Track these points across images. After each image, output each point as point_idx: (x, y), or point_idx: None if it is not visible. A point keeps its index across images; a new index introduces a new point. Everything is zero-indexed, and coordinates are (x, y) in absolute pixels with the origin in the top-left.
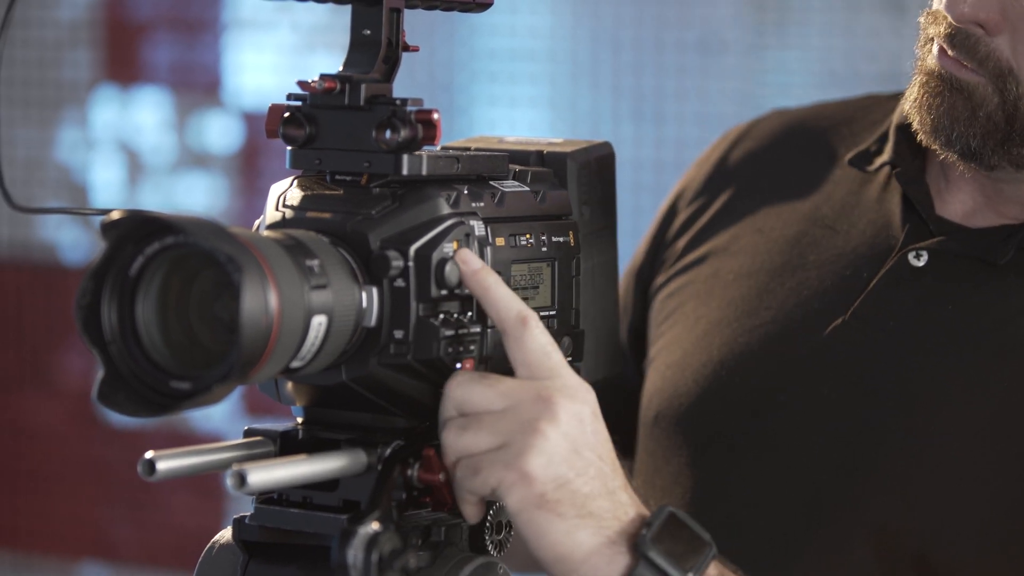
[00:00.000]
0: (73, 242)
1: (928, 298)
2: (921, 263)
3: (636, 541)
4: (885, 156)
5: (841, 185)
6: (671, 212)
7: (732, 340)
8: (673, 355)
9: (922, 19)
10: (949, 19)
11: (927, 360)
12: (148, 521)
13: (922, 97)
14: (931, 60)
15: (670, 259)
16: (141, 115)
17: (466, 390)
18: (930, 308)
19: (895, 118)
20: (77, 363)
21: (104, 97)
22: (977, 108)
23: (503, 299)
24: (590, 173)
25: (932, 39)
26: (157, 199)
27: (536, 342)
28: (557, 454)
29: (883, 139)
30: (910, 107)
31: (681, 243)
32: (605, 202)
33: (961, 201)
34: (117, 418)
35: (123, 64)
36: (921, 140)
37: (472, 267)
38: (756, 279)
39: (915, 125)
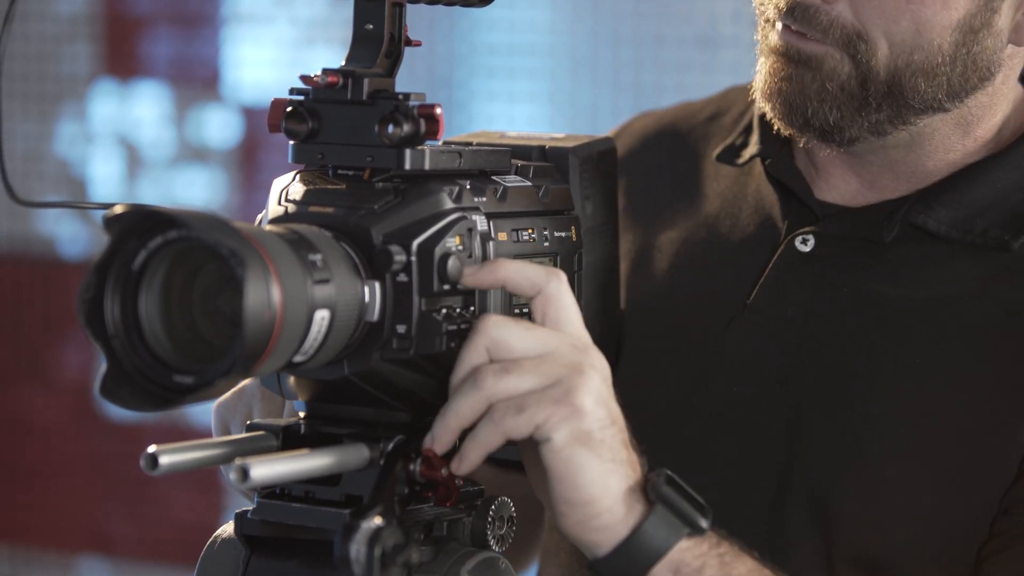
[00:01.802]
0: (72, 236)
1: (821, 282)
2: (808, 248)
3: (651, 485)
4: (753, 148)
5: (716, 182)
6: None
7: (634, 351)
8: None
9: (755, 2)
10: None
11: (831, 345)
12: (147, 516)
13: (770, 82)
14: (774, 37)
15: None
16: (140, 109)
17: (505, 331)
18: (825, 292)
19: (756, 109)
20: (75, 357)
21: (103, 91)
22: (827, 80)
23: (524, 267)
24: (592, 168)
25: (771, 20)
26: (156, 193)
27: (570, 298)
28: (601, 396)
29: (748, 131)
30: (759, 96)
31: None
32: (607, 197)
33: (835, 185)
34: (115, 412)
35: (122, 58)
36: (778, 129)
37: (473, 268)
38: (648, 287)
39: (768, 114)
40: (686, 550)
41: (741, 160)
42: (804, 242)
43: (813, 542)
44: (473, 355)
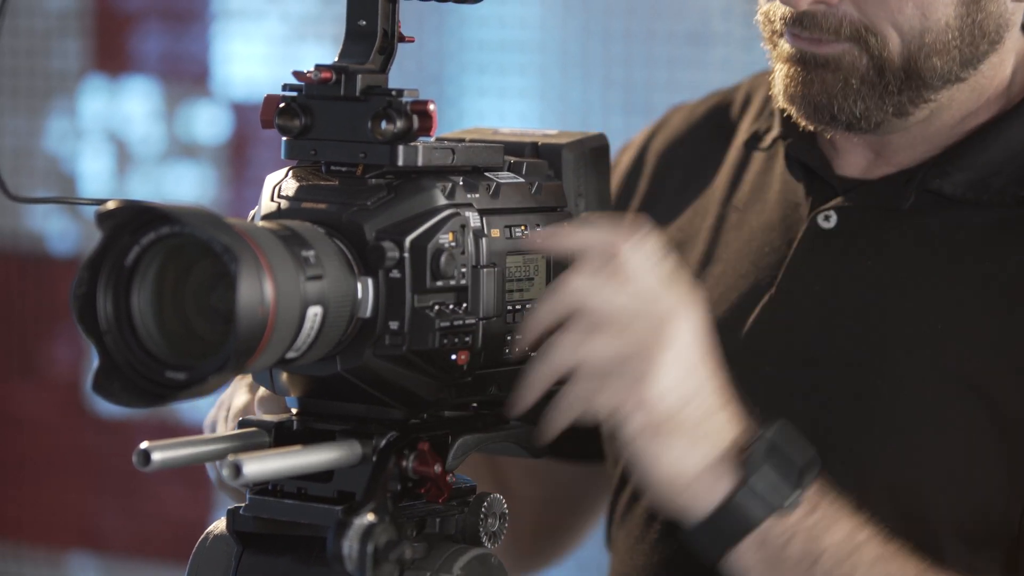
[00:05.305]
0: (61, 232)
1: (845, 256)
2: (831, 224)
3: (746, 458)
4: (775, 131)
5: (747, 168)
6: None
7: None
8: None
9: (759, 17)
10: (788, 9)
11: (858, 319)
12: (137, 511)
13: (791, 87)
14: (785, 46)
15: None
16: (130, 105)
17: (587, 295)
18: (848, 266)
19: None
20: (65, 353)
21: (93, 87)
22: (849, 76)
23: (588, 238)
24: (585, 164)
25: (778, 31)
26: (146, 189)
27: (634, 262)
28: (675, 377)
29: (772, 115)
30: (782, 99)
31: None
32: (600, 194)
33: (855, 162)
34: (105, 408)
35: (112, 54)
36: (803, 125)
37: (537, 240)
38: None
39: (793, 115)
40: (773, 524)
41: (764, 144)
42: (827, 219)
43: None
44: (552, 310)
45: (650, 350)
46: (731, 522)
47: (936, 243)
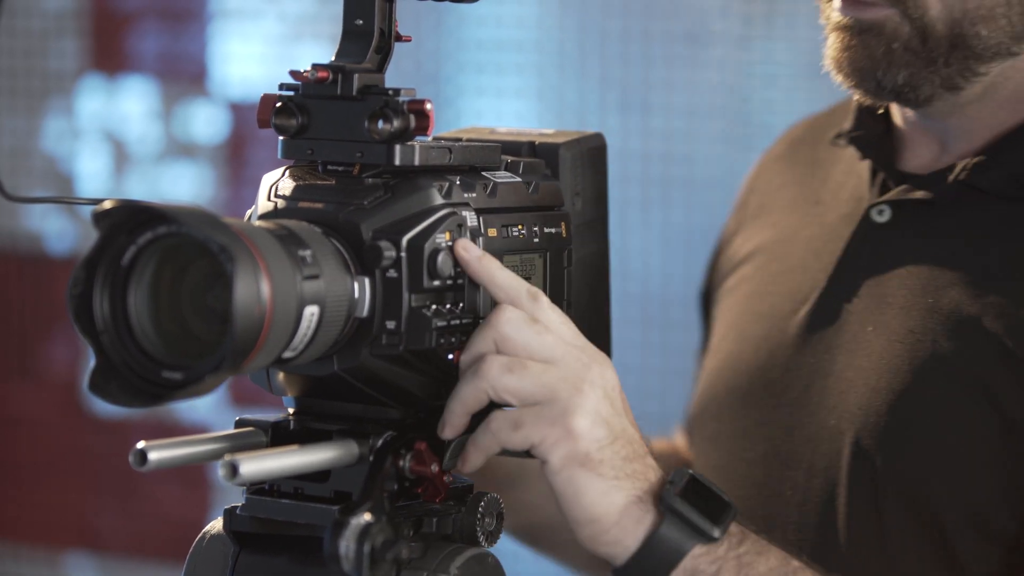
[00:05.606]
0: (59, 232)
1: (891, 251)
2: (884, 218)
3: (661, 495)
4: (849, 126)
5: (836, 166)
6: (723, 233)
7: (742, 333)
8: (707, 361)
9: None
10: None
11: (899, 315)
12: (134, 511)
13: (838, 54)
14: (836, 15)
15: (717, 280)
16: (127, 105)
17: (516, 329)
18: (893, 261)
19: None
20: (63, 353)
21: (90, 87)
22: (892, 41)
23: (509, 280)
24: (582, 164)
25: None
26: (143, 189)
27: (551, 315)
28: (600, 415)
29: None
30: (831, 66)
31: (723, 260)
32: (597, 193)
33: (920, 154)
34: (103, 408)
35: (109, 54)
36: (857, 97)
37: (473, 254)
38: (766, 270)
39: (843, 83)
40: (700, 556)
41: (843, 141)
42: (880, 213)
43: (873, 505)
44: (480, 344)
45: (580, 384)
46: (659, 555)
47: (968, 238)
